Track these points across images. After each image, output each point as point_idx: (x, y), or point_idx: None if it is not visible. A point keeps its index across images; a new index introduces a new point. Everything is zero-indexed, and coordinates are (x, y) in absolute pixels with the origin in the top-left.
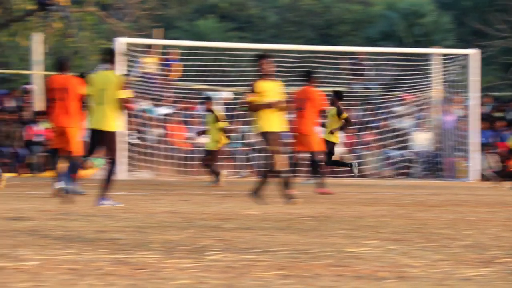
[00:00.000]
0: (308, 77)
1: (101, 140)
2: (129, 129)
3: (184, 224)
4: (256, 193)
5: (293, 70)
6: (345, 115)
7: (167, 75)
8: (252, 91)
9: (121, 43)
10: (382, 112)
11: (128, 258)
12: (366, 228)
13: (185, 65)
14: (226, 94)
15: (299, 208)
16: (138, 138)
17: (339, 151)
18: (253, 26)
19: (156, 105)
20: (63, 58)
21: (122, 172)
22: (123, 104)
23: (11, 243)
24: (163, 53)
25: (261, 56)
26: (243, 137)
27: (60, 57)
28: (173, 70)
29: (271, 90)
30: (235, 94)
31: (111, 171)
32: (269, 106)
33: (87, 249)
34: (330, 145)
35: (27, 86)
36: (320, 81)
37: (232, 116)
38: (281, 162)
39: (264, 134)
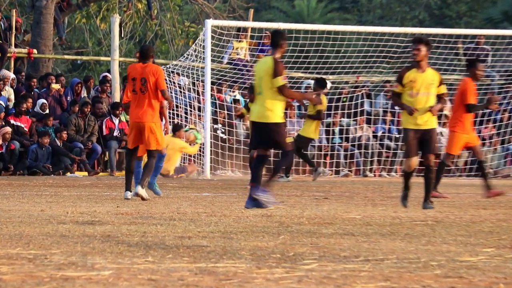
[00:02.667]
0: (469, 66)
1: (264, 134)
2: (217, 122)
3: (276, 229)
4: (427, 200)
5: (402, 56)
6: (320, 107)
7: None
8: (399, 82)
9: (210, 25)
10: (504, 103)
11: (213, 267)
12: (483, 234)
13: None
14: (327, 83)
15: (406, 212)
16: (224, 132)
17: None
18: (358, 6)
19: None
20: (145, 45)
21: (206, 171)
22: (281, 93)
23: (83, 250)
24: (256, 37)
25: (419, 40)
26: (343, 132)
27: (143, 45)
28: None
29: (422, 82)
30: (336, 83)
31: (280, 162)
32: (410, 111)
33: (168, 257)
34: (305, 140)
35: (108, 74)
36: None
37: (332, 108)
38: (410, 163)
39: (404, 131)
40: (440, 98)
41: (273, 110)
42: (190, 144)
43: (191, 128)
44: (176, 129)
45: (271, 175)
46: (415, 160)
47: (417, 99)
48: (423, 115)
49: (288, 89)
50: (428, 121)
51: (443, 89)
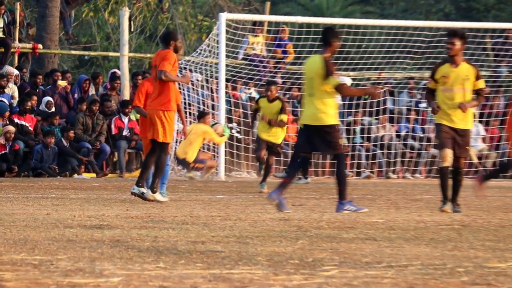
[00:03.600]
0: None
1: (317, 137)
2: (231, 121)
3: (294, 233)
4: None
5: (427, 51)
6: None
7: (279, 58)
8: (432, 77)
9: (224, 19)
10: None
11: (228, 273)
12: None
13: (299, 45)
14: (347, 79)
15: (431, 215)
16: (239, 131)
17: (478, 147)
18: None
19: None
20: (166, 31)
21: (220, 172)
22: (339, 92)
23: (91, 255)
24: (272, 31)
25: (453, 33)
26: (365, 131)
27: (164, 30)
28: (288, 52)
29: (456, 77)
30: (357, 80)
31: (340, 169)
32: (432, 109)
33: (180, 263)
34: None
35: (117, 71)
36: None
37: (353, 106)
38: (443, 155)
39: (436, 126)
40: (478, 94)
41: (326, 111)
42: None
43: (217, 123)
44: (201, 116)
45: (340, 184)
46: (450, 152)
47: (451, 95)
48: (457, 113)
49: (346, 86)
50: (463, 120)
51: (481, 84)
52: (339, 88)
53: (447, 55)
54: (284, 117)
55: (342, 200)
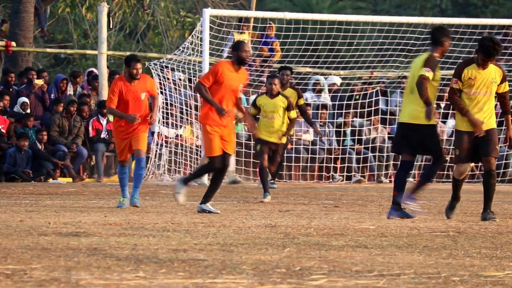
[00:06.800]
0: None
1: (415, 137)
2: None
3: (281, 241)
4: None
5: (421, 49)
6: (302, 100)
7: (265, 56)
8: (457, 77)
9: (208, 15)
10: None
11: (211, 283)
12: (510, 246)
13: (286, 43)
14: (336, 79)
15: (424, 222)
16: None
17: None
18: None
19: (248, 93)
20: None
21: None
22: (417, 83)
23: (67, 264)
24: (259, 28)
25: (496, 51)
26: (356, 133)
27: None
28: (275, 50)
29: (483, 80)
30: (348, 79)
31: (431, 170)
32: (462, 111)
33: (161, 272)
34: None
35: (94, 70)
36: (455, 62)
37: (343, 107)
38: (462, 170)
39: (457, 133)
40: (501, 99)
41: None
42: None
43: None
44: None
45: (421, 182)
46: (467, 167)
47: (476, 98)
48: (480, 116)
49: (425, 84)
50: (486, 122)
51: (506, 87)
52: (419, 80)
53: (479, 64)
54: (293, 114)
55: (412, 195)
